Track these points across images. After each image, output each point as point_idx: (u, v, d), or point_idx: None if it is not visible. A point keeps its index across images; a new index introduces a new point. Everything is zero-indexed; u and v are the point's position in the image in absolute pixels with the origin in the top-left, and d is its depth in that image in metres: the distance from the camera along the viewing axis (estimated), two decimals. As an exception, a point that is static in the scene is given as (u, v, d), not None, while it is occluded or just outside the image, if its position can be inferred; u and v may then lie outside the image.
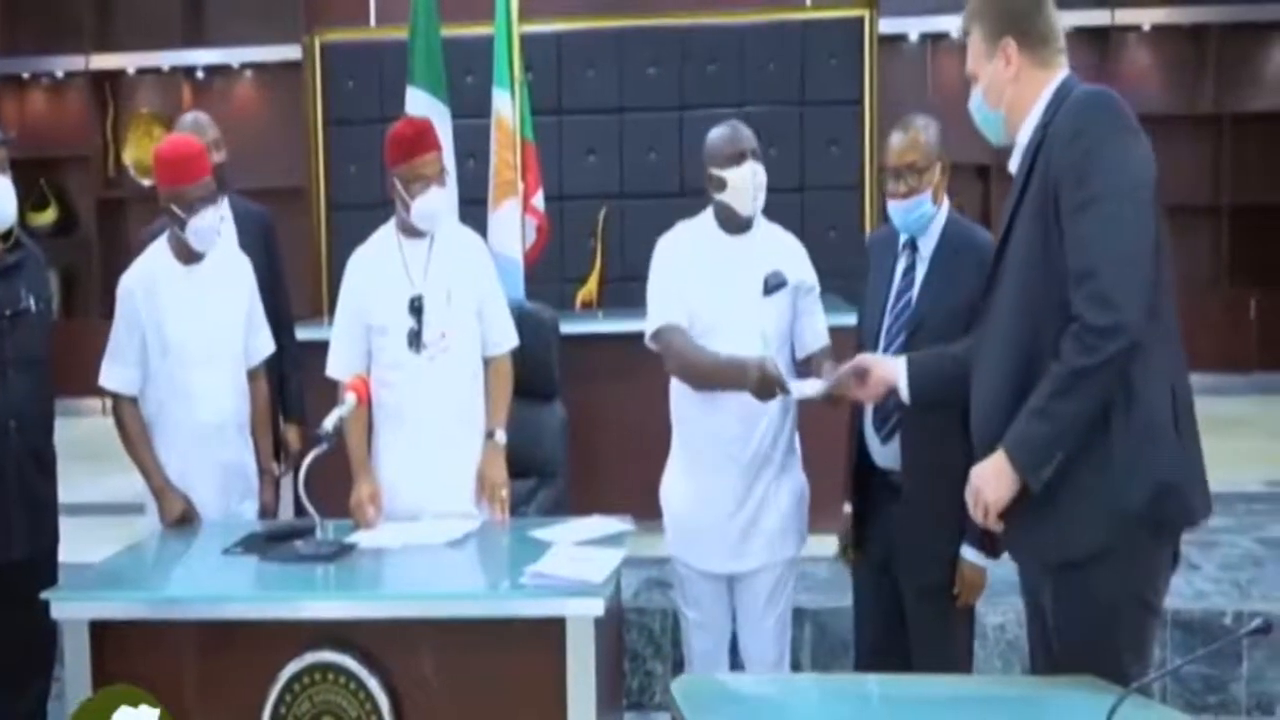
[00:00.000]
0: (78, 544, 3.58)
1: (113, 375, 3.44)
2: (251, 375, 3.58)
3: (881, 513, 3.02)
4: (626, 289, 5.96)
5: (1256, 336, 7.91)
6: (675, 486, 3.29)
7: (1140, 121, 2.31)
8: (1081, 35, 7.97)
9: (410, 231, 3.39)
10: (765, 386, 2.91)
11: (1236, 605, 4.07)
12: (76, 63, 8.43)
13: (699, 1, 6.62)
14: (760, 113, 6.09)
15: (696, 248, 3.20)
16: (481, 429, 3.43)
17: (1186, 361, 2.36)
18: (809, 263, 3.26)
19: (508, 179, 4.98)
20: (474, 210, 4.85)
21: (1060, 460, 2.25)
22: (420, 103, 4.95)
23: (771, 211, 3.26)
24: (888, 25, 6.95)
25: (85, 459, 4.60)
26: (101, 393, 3.46)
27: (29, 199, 7.74)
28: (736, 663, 3.37)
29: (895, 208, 2.97)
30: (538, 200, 5.22)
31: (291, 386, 4.19)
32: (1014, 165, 2.44)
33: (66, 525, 3.51)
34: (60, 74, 8.63)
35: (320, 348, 3.53)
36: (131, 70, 8.51)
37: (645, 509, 3.30)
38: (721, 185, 3.14)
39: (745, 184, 3.12)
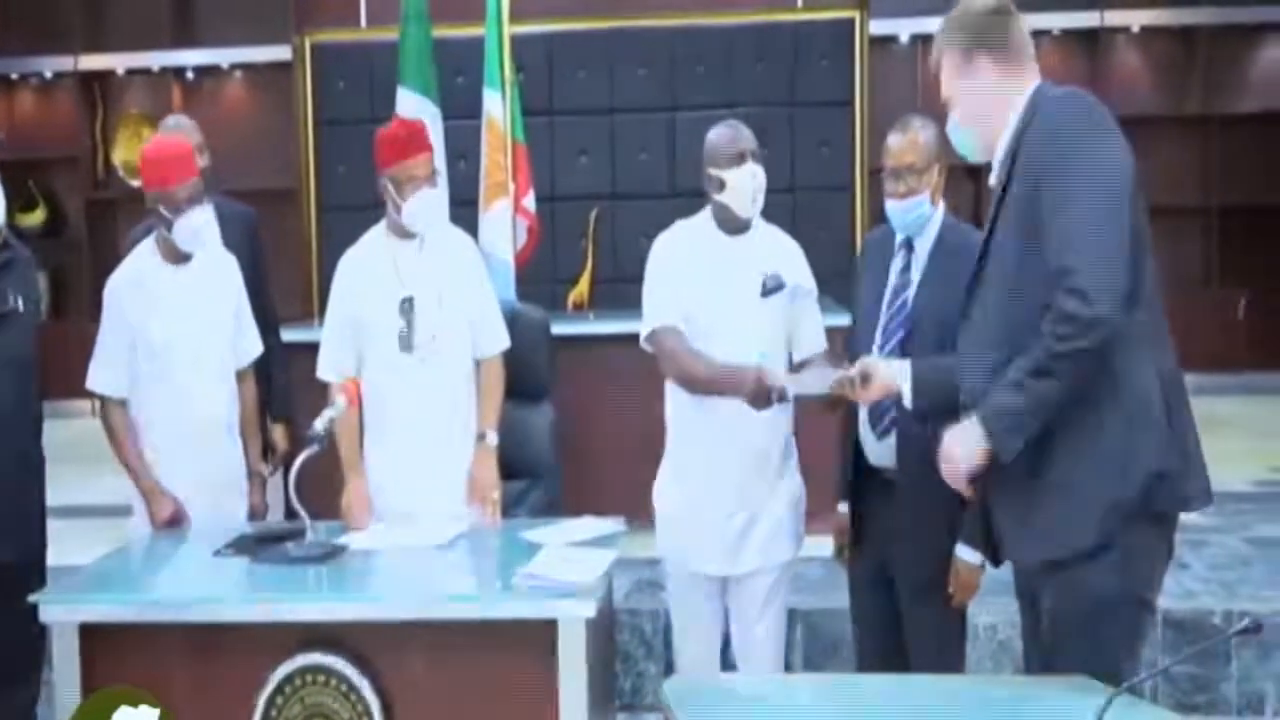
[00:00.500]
0: (67, 546, 3.57)
1: (100, 378, 3.42)
2: (240, 376, 3.57)
3: (877, 512, 3.02)
4: (618, 290, 5.97)
5: (1245, 337, 7.92)
6: (670, 488, 3.26)
7: (1129, 123, 2.35)
8: (1071, 37, 8.02)
9: (401, 233, 3.39)
10: (761, 397, 2.90)
11: (1225, 605, 4.08)
12: (65, 63, 8.39)
13: (690, 3, 6.62)
14: (751, 114, 5.99)
15: (694, 248, 3.18)
16: (473, 431, 3.43)
17: (1175, 349, 2.38)
18: (807, 265, 3.25)
19: (499, 180, 4.97)
20: (465, 211, 4.83)
21: (1031, 435, 2.28)
22: (411, 103, 4.94)
23: (763, 213, 3.25)
24: (878, 26, 6.94)
25: (74, 461, 4.58)
26: (90, 395, 3.45)
27: (17, 200, 7.71)
28: (728, 665, 3.36)
29: (893, 208, 2.97)
30: (529, 201, 5.20)
31: (278, 386, 4.17)
32: (994, 179, 2.48)
33: (55, 527, 3.49)
34: (49, 74, 8.59)
35: (311, 349, 3.53)
36: (121, 71, 8.47)
37: (637, 510, 3.29)
38: (721, 186, 3.11)
39: (745, 185, 3.10)
